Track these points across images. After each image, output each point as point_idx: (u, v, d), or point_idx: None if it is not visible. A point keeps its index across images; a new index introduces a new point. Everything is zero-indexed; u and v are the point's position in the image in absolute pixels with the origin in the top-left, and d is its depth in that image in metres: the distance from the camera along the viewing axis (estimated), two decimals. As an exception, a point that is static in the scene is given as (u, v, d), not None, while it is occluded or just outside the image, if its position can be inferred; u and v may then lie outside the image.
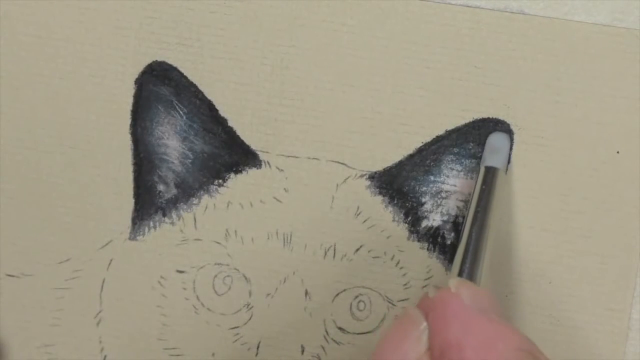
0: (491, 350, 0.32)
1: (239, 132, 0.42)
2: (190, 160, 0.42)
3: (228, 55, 0.42)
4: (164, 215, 0.42)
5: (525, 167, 0.41)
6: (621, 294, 0.41)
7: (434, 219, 0.42)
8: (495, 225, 0.39)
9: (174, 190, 0.42)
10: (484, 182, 0.39)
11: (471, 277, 0.36)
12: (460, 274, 0.36)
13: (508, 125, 0.41)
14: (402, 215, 0.42)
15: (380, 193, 0.42)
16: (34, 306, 0.42)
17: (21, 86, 0.42)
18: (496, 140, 0.41)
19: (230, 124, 0.42)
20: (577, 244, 0.41)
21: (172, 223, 0.42)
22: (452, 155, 0.42)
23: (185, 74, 0.42)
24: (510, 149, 0.41)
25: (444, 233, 0.42)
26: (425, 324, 0.33)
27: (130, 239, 0.42)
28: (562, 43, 0.41)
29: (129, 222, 0.42)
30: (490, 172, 0.40)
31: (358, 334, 0.42)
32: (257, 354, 0.42)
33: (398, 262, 0.42)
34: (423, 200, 0.42)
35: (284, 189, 0.42)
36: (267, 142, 0.42)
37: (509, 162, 0.41)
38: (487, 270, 0.37)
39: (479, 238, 0.37)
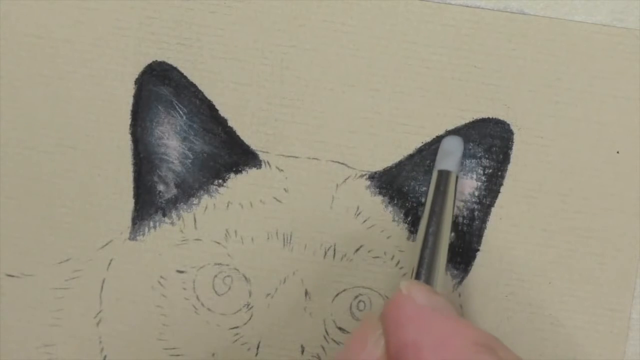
0: (448, 346, 0.32)
1: (239, 132, 0.42)
2: (190, 160, 0.42)
3: (228, 55, 0.42)
4: (164, 215, 0.42)
5: (525, 167, 0.41)
6: (621, 294, 0.41)
7: (434, 219, 0.42)
8: (449, 227, 0.39)
9: (174, 190, 0.42)
10: (437, 185, 0.40)
11: (428, 280, 0.36)
12: (417, 278, 0.36)
13: (508, 125, 0.41)
14: (402, 215, 0.42)
15: (380, 193, 0.42)
16: (34, 306, 0.42)
17: (21, 86, 0.42)
18: (449, 144, 0.41)
19: (230, 124, 0.42)
20: (577, 244, 0.41)
21: (172, 223, 0.42)
22: (452, 155, 0.42)
23: (185, 74, 0.42)
24: (463, 152, 0.41)
25: (444, 233, 0.42)
26: (382, 329, 0.33)
27: (130, 239, 0.42)
28: (562, 43, 0.41)
29: (129, 222, 0.42)
30: (444, 175, 0.40)
31: (358, 334, 0.42)
32: (257, 354, 0.42)
33: (398, 262, 0.41)
34: (423, 200, 0.42)
35: (284, 189, 0.42)
36: (267, 142, 0.42)
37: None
38: (443, 272, 0.37)
39: (435, 242, 0.38)
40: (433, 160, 0.42)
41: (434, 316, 0.33)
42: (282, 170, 0.42)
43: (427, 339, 0.32)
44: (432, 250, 0.37)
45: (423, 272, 0.37)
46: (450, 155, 0.40)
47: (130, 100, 0.42)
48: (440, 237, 0.38)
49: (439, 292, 0.36)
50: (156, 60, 0.42)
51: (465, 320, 0.33)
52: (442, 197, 0.39)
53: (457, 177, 0.40)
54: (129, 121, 0.42)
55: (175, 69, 0.42)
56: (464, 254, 0.42)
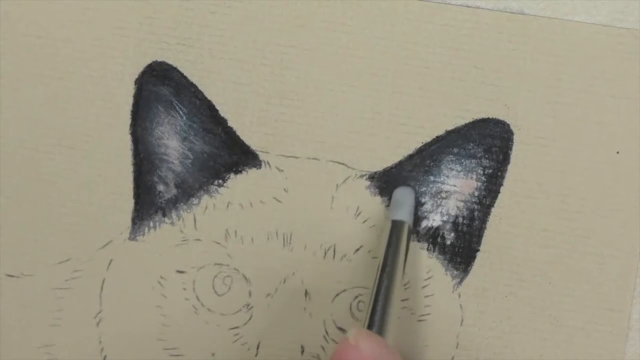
0: None
1: (239, 132, 0.42)
2: (190, 161, 0.42)
3: (228, 55, 0.42)
4: (164, 215, 0.42)
5: (525, 167, 0.41)
6: (621, 294, 0.41)
7: (434, 219, 0.42)
8: (402, 276, 0.39)
9: (174, 190, 0.42)
10: (391, 235, 0.40)
11: (380, 329, 0.36)
12: (370, 327, 0.36)
13: (508, 125, 0.41)
14: (402, 215, 0.42)
15: (380, 193, 0.42)
16: (34, 306, 0.42)
17: (21, 86, 0.42)
18: (400, 194, 0.41)
19: (230, 124, 0.42)
20: (577, 244, 0.41)
21: (172, 223, 0.42)
22: (451, 156, 0.42)
23: (185, 74, 0.42)
24: (415, 201, 0.41)
25: (443, 233, 0.42)
26: None
27: (130, 239, 0.42)
28: (562, 43, 0.41)
29: (129, 222, 0.42)
30: (397, 225, 0.40)
31: (358, 334, 0.42)
32: (257, 354, 0.42)
33: (398, 262, 0.41)
34: (423, 200, 0.42)
35: (284, 189, 0.42)
36: (267, 142, 0.42)
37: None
38: (395, 322, 0.38)
39: (387, 291, 0.38)
40: (433, 161, 0.42)
41: None
42: (282, 170, 0.42)
43: None
44: (385, 299, 0.37)
45: (375, 321, 0.37)
46: (402, 206, 0.41)
47: (130, 100, 0.42)
48: (393, 287, 0.38)
49: (389, 342, 0.36)
50: (156, 60, 0.42)
51: None
52: (395, 247, 0.39)
53: (409, 227, 0.40)
54: (129, 121, 0.42)
55: (175, 69, 0.42)
56: (464, 254, 0.42)
